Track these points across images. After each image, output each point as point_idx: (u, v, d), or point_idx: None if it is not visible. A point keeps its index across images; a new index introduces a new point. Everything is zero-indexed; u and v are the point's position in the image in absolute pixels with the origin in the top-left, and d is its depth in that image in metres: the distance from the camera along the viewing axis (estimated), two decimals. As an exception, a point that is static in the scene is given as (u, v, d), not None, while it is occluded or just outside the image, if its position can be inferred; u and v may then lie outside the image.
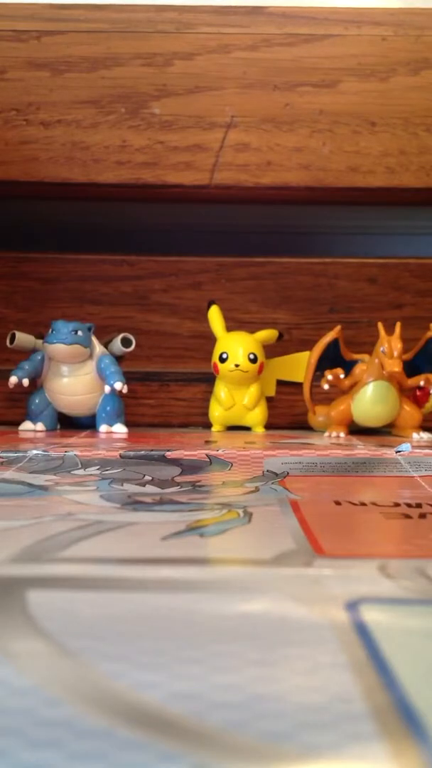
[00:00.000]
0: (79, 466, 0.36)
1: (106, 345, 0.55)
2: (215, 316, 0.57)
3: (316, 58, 0.64)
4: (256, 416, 0.57)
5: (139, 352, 0.58)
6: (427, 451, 0.41)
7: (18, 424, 0.54)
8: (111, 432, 0.53)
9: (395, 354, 0.49)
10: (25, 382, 0.52)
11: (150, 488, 0.31)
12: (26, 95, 0.63)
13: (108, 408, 0.53)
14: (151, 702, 0.11)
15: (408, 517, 0.25)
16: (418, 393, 0.54)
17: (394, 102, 0.64)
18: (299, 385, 0.56)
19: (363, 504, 0.27)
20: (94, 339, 0.53)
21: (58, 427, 0.55)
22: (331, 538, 0.22)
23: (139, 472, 0.34)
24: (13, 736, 0.10)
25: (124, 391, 0.52)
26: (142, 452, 0.39)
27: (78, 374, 0.53)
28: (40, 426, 0.53)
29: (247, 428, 0.57)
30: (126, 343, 0.55)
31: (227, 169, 0.63)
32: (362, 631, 0.14)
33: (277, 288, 0.65)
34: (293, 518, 0.25)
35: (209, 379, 0.58)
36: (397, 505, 0.27)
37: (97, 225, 0.72)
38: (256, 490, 0.31)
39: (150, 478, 0.33)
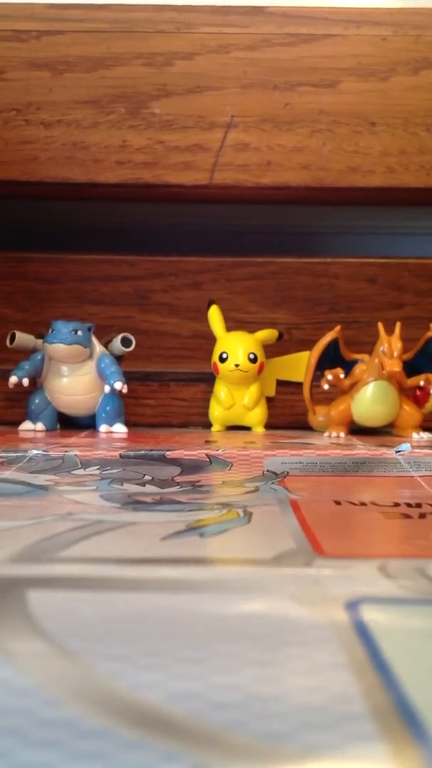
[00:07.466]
0: (79, 466, 0.36)
1: (106, 345, 0.55)
2: (215, 316, 0.57)
3: (316, 58, 0.64)
4: (256, 416, 0.57)
5: (139, 352, 0.58)
6: (427, 451, 0.41)
7: (18, 424, 0.54)
8: (111, 432, 0.53)
9: (395, 354, 0.49)
10: (25, 382, 0.52)
11: (150, 488, 0.31)
12: (26, 95, 0.63)
13: (108, 408, 0.53)
14: (151, 702, 0.11)
15: (408, 517, 0.25)
16: (418, 393, 0.54)
17: (394, 102, 0.64)
18: (299, 385, 0.56)
19: (363, 504, 0.27)
20: (94, 339, 0.53)
21: (58, 427, 0.55)
22: (331, 538, 0.22)
23: (139, 472, 0.34)
24: (13, 736, 0.10)
25: (124, 391, 0.52)
26: (142, 452, 0.39)
27: (78, 374, 0.53)
28: (40, 426, 0.53)
29: (247, 428, 0.57)
30: (126, 343, 0.55)
31: (227, 169, 0.63)
32: (362, 631, 0.14)
33: (277, 288, 0.65)
34: (293, 518, 0.25)
35: (209, 379, 0.58)
36: (397, 505, 0.27)
37: (97, 225, 0.72)
38: (256, 489, 0.31)
39: (150, 477, 0.33)
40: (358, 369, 0.52)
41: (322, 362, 0.53)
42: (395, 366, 0.49)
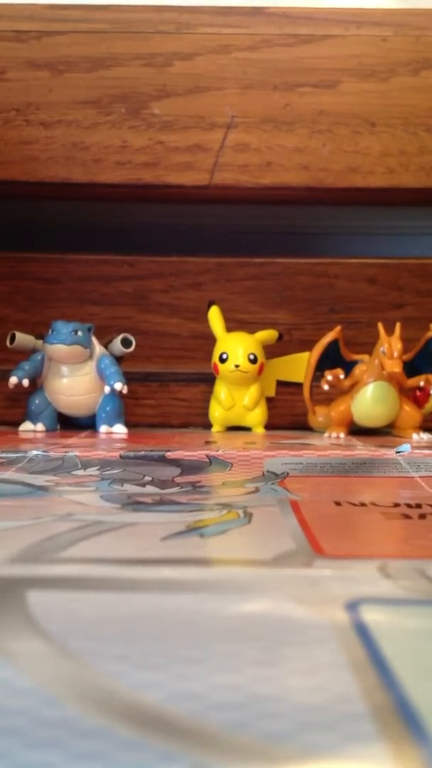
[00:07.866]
0: (79, 466, 0.36)
1: (106, 345, 0.55)
2: (215, 317, 0.57)
3: (316, 58, 0.64)
4: (256, 417, 0.56)
5: (139, 353, 0.58)
6: (427, 451, 0.41)
7: (18, 424, 0.54)
8: (111, 432, 0.53)
9: (395, 354, 0.49)
10: (25, 382, 0.52)
11: (150, 489, 0.31)
12: (26, 95, 0.63)
13: (108, 408, 0.53)
14: (151, 702, 0.11)
15: (408, 517, 0.25)
16: (418, 393, 0.54)
17: (394, 102, 0.64)
18: (299, 385, 0.56)
19: (363, 504, 0.27)
20: (94, 339, 0.53)
21: (58, 427, 0.55)
22: (331, 538, 0.22)
23: (139, 473, 0.34)
24: (13, 736, 0.10)
25: (124, 391, 0.52)
26: (142, 453, 0.39)
27: (78, 374, 0.53)
28: (40, 426, 0.53)
29: (247, 428, 0.57)
30: (126, 343, 0.55)
31: (227, 170, 0.63)
32: (362, 631, 0.14)
33: (277, 288, 0.65)
34: (293, 518, 0.25)
35: (209, 380, 0.58)
36: (397, 505, 0.27)
37: (97, 225, 0.72)
38: (256, 490, 0.31)
39: (150, 478, 0.33)
40: (358, 369, 0.52)
41: (322, 363, 0.53)
42: (395, 366, 0.49)
